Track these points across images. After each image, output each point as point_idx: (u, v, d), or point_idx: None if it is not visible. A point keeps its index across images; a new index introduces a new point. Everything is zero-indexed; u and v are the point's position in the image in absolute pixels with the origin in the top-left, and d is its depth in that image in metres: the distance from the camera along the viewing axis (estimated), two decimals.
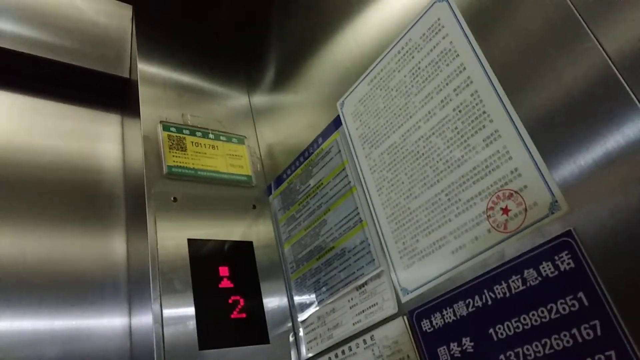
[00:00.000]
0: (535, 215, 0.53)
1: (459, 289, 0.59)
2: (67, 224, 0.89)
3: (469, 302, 0.58)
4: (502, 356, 0.53)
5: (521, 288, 0.53)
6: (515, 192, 0.55)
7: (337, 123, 0.84)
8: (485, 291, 0.56)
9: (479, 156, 0.60)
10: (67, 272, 0.83)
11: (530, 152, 0.55)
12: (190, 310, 0.77)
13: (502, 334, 0.54)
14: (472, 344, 0.57)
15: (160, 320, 0.73)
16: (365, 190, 0.76)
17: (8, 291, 0.76)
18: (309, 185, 0.89)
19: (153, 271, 0.77)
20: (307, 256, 0.86)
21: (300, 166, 0.92)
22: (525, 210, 0.54)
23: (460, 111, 0.63)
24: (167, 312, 0.74)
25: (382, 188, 0.73)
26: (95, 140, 1.05)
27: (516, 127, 0.56)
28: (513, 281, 0.53)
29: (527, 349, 0.51)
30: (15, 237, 0.82)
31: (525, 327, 0.52)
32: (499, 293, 0.55)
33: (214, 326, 0.77)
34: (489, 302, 0.56)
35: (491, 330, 0.55)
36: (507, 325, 0.53)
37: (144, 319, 0.78)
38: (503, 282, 0.54)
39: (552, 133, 0.53)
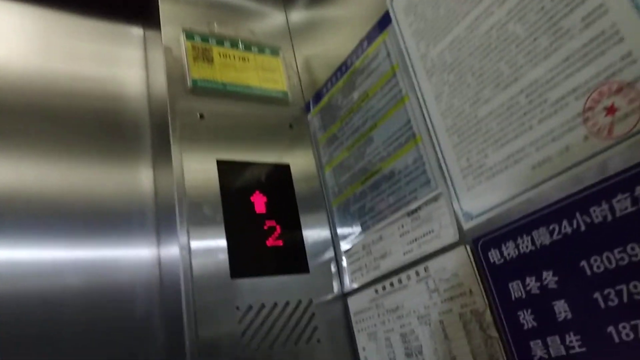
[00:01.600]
0: None
1: (541, 212, 0.47)
2: (91, 154, 0.82)
3: (554, 228, 0.46)
4: (597, 294, 0.42)
5: (630, 209, 0.40)
6: (627, 84, 0.41)
7: (385, 21, 0.70)
8: (578, 214, 0.44)
9: (575, 42, 0.46)
10: (91, 202, 0.77)
11: None
12: (222, 238, 0.69)
13: (599, 267, 0.42)
14: (555, 278, 0.45)
15: (188, 249, 0.66)
16: (420, 99, 0.63)
17: (31, 220, 0.70)
18: (352, 98, 0.77)
19: (179, 195, 0.70)
20: (351, 179, 0.76)
21: (342, 78, 0.80)
22: None
23: None
24: (195, 240, 0.67)
25: (442, 94, 0.60)
26: (116, 64, 0.95)
27: None
28: (618, 201, 0.41)
29: (635, 286, 0.40)
30: (39, 167, 0.76)
31: (634, 258, 0.40)
32: (597, 216, 0.42)
33: (247, 254, 0.70)
34: (582, 228, 0.44)
35: (584, 263, 0.43)
36: (608, 257, 0.41)
37: (172, 249, 0.71)
38: (604, 203, 0.42)
39: None
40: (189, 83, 0.79)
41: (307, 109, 0.89)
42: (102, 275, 0.71)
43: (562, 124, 0.46)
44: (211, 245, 0.68)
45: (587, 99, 0.44)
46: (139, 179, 0.83)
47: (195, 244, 0.67)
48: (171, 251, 0.72)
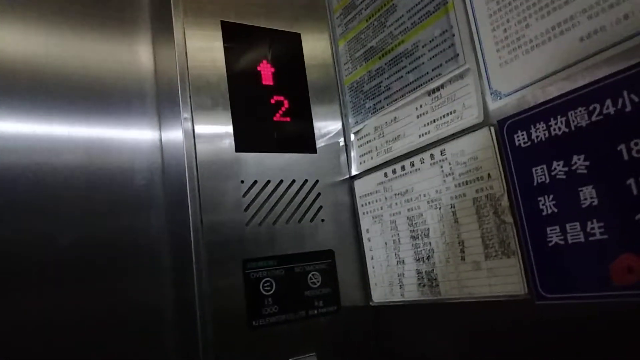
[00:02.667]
0: None
1: (582, 90, 0.42)
2: (88, 24, 0.73)
3: (595, 108, 0.41)
4: (630, 181, 0.39)
5: None
6: None
7: None
8: (626, 93, 0.39)
9: None
10: (89, 77, 0.69)
11: None
12: (227, 110, 0.65)
13: (638, 151, 0.38)
14: (586, 163, 0.42)
15: (191, 118, 0.62)
16: None
17: (17, 91, 0.65)
18: None
19: (181, 67, 0.64)
20: (368, 54, 0.70)
21: None
22: None
23: None
24: (199, 110, 0.63)
25: None
26: None
27: None
28: None
29: None
30: (31, 35, 0.67)
31: None
32: None
33: (253, 127, 0.66)
34: (628, 108, 0.39)
35: (621, 147, 0.39)
36: None
37: (175, 127, 0.67)
38: None
39: None
40: None
41: None
42: (100, 154, 0.67)
43: None
44: (215, 119, 0.64)
45: None
46: (138, 55, 0.75)
47: (200, 122, 0.63)
48: (172, 133, 0.68)
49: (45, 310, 0.59)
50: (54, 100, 0.67)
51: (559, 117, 0.44)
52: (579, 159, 0.42)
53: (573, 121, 0.43)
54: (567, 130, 0.43)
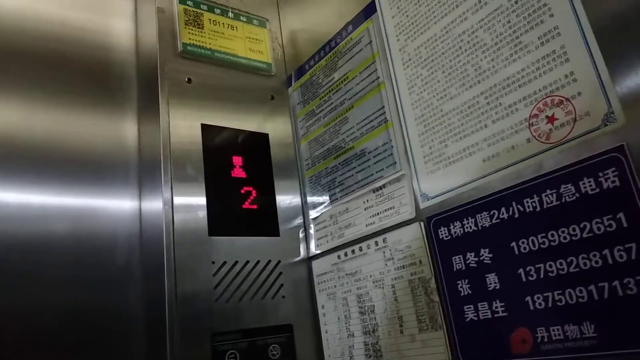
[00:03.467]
0: (584, 126, 0.48)
1: (485, 199, 0.55)
2: (77, 101, 0.85)
3: (494, 213, 0.54)
4: (520, 270, 0.51)
5: (554, 203, 0.49)
6: (567, 99, 0.49)
7: (370, 10, 0.76)
8: (514, 203, 0.52)
9: (531, 56, 0.53)
10: (77, 149, 0.80)
11: (592, 54, 0.48)
12: (202, 197, 0.75)
13: (525, 248, 0.51)
14: (490, 255, 0.54)
15: (171, 204, 0.72)
16: (395, 88, 0.70)
17: (16, 163, 0.74)
18: (333, 78, 0.83)
19: (164, 154, 0.75)
20: (325, 154, 0.83)
21: (325, 57, 0.85)
22: (574, 120, 0.48)
23: (516, 2, 0.55)
24: (178, 197, 0.73)
25: (414, 86, 0.67)
26: (106, 14, 0.96)
27: (580, 25, 0.49)
28: (547, 195, 0.49)
29: (550, 266, 0.49)
30: (24, 109, 0.78)
31: (552, 243, 0.49)
32: (529, 206, 0.51)
33: (224, 214, 0.76)
34: (516, 215, 0.52)
35: (513, 244, 0.52)
36: (532, 240, 0.50)
37: (154, 203, 0.77)
38: (535, 196, 0.50)
39: (623, 37, 0.46)
40: (180, 46, 0.83)
41: (289, 82, 0.94)
42: (86, 223, 0.76)
43: (511, 126, 0.54)
44: (192, 202, 0.74)
45: (533, 107, 0.52)
46: (124, 132, 0.87)
47: (178, 200, 0.72)
48: (152, 205, 0.77)
49: None
50: (48, 171, 0.76)
51: (469, 217, 0.57)
52: (485, 251, 0.55)
53: (479, 222, 0.56)
54: (475, 228, 0.56)
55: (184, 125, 0.79)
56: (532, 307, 0.50)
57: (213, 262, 0.72)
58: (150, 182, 0.80)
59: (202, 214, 0.74)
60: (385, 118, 0.71)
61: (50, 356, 0.67)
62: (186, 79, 0.82)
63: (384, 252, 0.68)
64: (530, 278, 0.50)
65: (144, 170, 0.84)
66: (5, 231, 0.69)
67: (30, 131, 0.77)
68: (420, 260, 0.62)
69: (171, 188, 0.73)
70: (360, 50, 0.77)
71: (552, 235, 0.49)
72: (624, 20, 0.46)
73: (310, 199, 0.85)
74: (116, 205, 0.80)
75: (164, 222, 0.71)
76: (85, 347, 0.69)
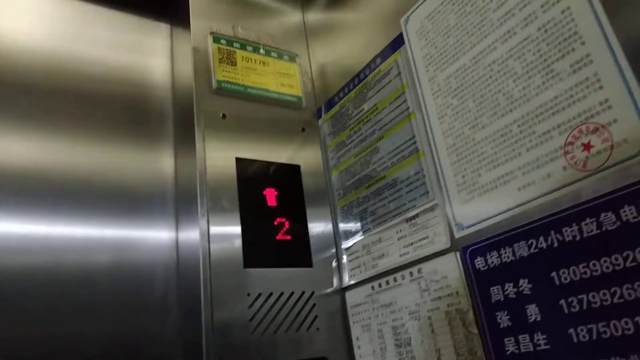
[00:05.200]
0: (622, 153, 0.47)
1: (522, 228, 0.55)
2: (117, 137, 0.89)
3: (532, 242, 0.53)
4: (562, 301, 0.50)
5: (595, 232, 0.48)
6: (602, 126, 0.49)
7: (398, 42, 0.77)
8: (553, 232, 0.51)
9: (563, 84, 0.53)
10: (116, 184, 0.84)
11: (626, 80, 0.47)
12: (237, 229, 0.76)
13: (566, 278, 0.50)
14: (529, 285, 0.53)
15: (207, 236, 0.74)
16: (425, 118, 0.70)
17: (62, 199, 0.77)
18: (363, 109, 0.84)
19: (201, 188, 0.77)
20: (356, 184, 0.83)
21: (354, 89, 0.87)
22: (612, 147, 0.48)
23: (546, 31, 0.55)
24: (214, 228, 0.74)
25: (445, 116, 0.67)
26: (144, 53, 1.02)
27: (613, 52, 0.49)
28: (586, 224, 0.48)
29: (593, 297, 0.47)
30: (69, 147, 0.82)
31: (594, 273, 0.47)
32: (568, 235, 0.50)
33: (259, 246, 0.77)
34: (555, 245, 0.51)
35: (554, 274, 0.51)
36: (573, 270, 0.49)
37: (191, 234, 0.78)
38: (574, 224, 0.49)
39: None
40: (214, 84, 0.86)
41: (319, 114, 0.96)
42: (125, 254, 0.78)
43: (546, 154, 0.54)
44: (228, 233, 0.75)
45: (568, 135, 0.52)
46: (161, 165, 0.90)
47: (214, 232, 0.74)
48: (189, 235, 0.79)
49: None
50: (90, 204, 0.79)
51: (507, 247, 0.56)
52: (524, 282, 0.54)
53: (517, 251, 0.55)
54: (513, 258, 0.55)
55: (219, 158, 0.81)
56: (575, 340, 0.48)
57: (248, 294, 0.73)
58: (186, 214, 0.82)
59: (238, 245, 0.75)
60: (417, 147, 0.72)
61: None
62: (221, 115, 0.85)
63: (419, 283, 0.67)
64: (572, 309, 0.49)
65: (181, 202, 0.87)
66: (51, 263, 0.72)
67: (74, 167, 0.81)
68: (457, 292, 0.62)
69: (207, 220, 0.75)
70: (389, 82, 0.79)
71: (594, 265, 0.47)
72: None
73: (342, 229, 0.85)
74: (154, 235, 0.83)
75: (201, 253, 0.72)
76: None
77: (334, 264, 0.84)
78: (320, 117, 0.96)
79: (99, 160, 0.84)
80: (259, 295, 0.74)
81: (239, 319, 0.71)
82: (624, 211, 0.46)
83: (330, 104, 0.93)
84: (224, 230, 0.75)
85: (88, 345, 0.70)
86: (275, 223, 0.81)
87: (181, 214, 0.86)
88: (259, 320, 0.72)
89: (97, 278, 0.75)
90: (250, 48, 0.94)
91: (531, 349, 0.52)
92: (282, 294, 0.76)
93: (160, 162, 0.92)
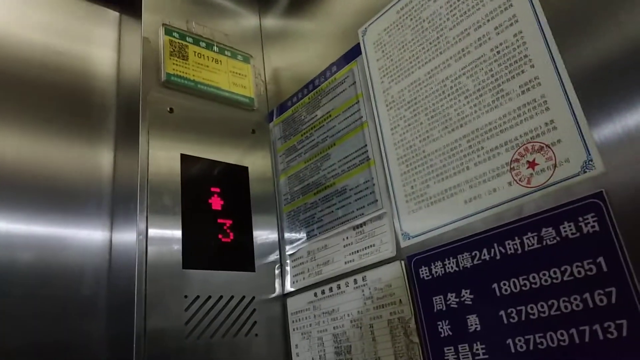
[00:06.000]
0: (564, 172, 0.50)
1: (467, 240, 0.56)
2: (52, 128, 0.82)
3: (476, 254, 0.55)
4: (502, 312, 0.51)
5: (535, 246, 0.50)
6: (547, 145, 0.51)
7: (355, 52, 0.78)
8: (496, 245, 0.53)
9: (512, 104, 0.55)
10: (48, 177, 0.77)
11: (570, 104, 0.50)
12: (177, 228, 0.73)
13: (506, 290, 0.51)
14: (471, 296, 0.54)
15: (145, 235, 0.70)
16: (378, 128, 0.71)
17: None
18: (316, 116, 0.84)
19: (142, 183, 0.73)
20: (304, 190, 0.83)
21: (308, 94, 0.86)
22: (555, 166, 0.50)
23: (498, 52, 0.58)
24: (153, 227, 0.71)
25: (397, 127, 0.68)
26: (89, 42, 0.95)
27: (559, 76, 0.52)
28: (528, 238, 0.50)
29: (531, 308, 0.49)
30: (11, 136, 0.75)
31: (534, 285, 0.49)
32: (510, 249, 0.52)
33: (200, 246, 0.74)
34: (498, 257, 0.53)
35: (495, 285, 0.52)
36: (514, 282, 0.51)
37: (126, 235, 0.74)
38: (517, 238, 0.51)
39: (600, 87, 0.48)
40: (163, 76, 0.83)
41: (270, 117, 0.95)
42: (52, 252, 0.72)
43: (493, 169, 0.56)
44: (167, 234, 0.72)
45: (515, 152, 0.54)
46: (99, 160, 0.84)
47: (153, 232, 0.70)
48: (125, 236, 0.74)
49: None
50: (16, 197, 0.72)
51: (451, 258, 0.57)
52: (466, 292, 0.55)
53: (461, 262, 0.56)
54: (457, 269, 0.56)
55: (163, 156, 0.77)
56: (513, 350, 0.50)
57: (186, 297, 0.70)
58: (124, 212, 0.78)
59: (177, 246, 0.72)
60: (368, 156, 0.72)
61: None
62: (168, 109, 0.81)
63: (362, 291, 0.67)
64: (511, 320, 0.50)
65: (118, 200, 0.81)
66: None
67: (1, 157, 0.74)
68: (400, 300, 0.62)
69: (146, 218, 0.71)
70: (344, 90, 0.79)
71: (534, 278, 0.49)
72: (601, 71, 0.49)
73: (287, 234, 0.84)
74: (85, 235, 0.77)
75: (137, 253, 0.68)
76: None
77: (277, 269, 0.82)
78: (271, 120, 0.94)
79: (29, 150, 0.78)
80: (197, 297, 0.71)
81: (174, 323, 0.67)
82: (564, 227, 0.48)
83: (282, 108, 0.92)
84: (164, 228, 0.72)
85: (6, 348, 0.63)
86: (219, 224, 0.78)
87: (118, 213, 0.80)
88: (195, 324, 0.69)
89: (21, 276, 0.68)
90: (203, 44, 0.92)
91: (470, 358, 0.53)
92: (221, 297, 0.73)
93: (98, 157, 0.85)
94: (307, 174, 0.83)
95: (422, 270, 0.60)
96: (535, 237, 0.50)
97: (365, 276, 0.68)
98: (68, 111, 0.85)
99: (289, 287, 0.80)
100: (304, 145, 0.85)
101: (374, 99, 0.73)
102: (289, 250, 0.82)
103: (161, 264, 0.69)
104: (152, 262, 0.69)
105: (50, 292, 0.70)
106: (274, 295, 0.80)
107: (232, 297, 0.74)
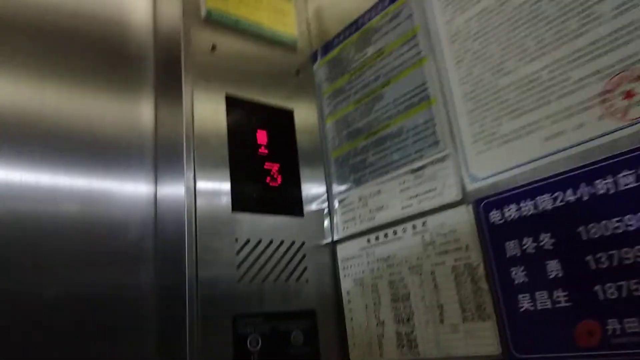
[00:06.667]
0: None
1: (547, 180, 0.51)
2: (89, 79, 0.77)
3: (559, 195, 0.50)
4: (589, 257, 0.47)
5: (632, 185, 0.45)
6: None
7: None
8: (583, 185, 0.48)
9: (604, 28, 0.49)
10: (90, 129, 0.74)
11: None
12: (225, 172, 0.70)
13: (594, 233, 0.47)
14: (552, 240, 0.50)
15: (193, 176, 0.67)
16: (440, 62, 0.65)
17: (25, 144, 0.67)
18: (366, 53, 0.78)
19: (187, 127, 0.69)
20: (354, 133, 0.78)
21: (356, 32, 0.80)
22: None
23: None
24: (200, 172, 0.68)
25: (463, 60, 0.63)
26: None
27: None
28: (624, 176, 0.46)
29: (626, 252, 0.45)
30: (34, 86, 0.71)
31: (629, 228, 0.45)
32: (601, 188, 0.47)
33: (248, 189, 0.71)
34: (585, 198, 0.48)
35: (581, 229, 0.48)
36: (605, 225, 0.46)
37: (173, 182, 0.71)
38: (609, 177, 0.47)
39: None
40: (203, 12, 0.78)
41: (314, 58, 0.89)
42: (97, 205, 0.70)
43: (580, 102, 0.50)
44: (215, 177, 0.69)
45: (607, 82, 0.48)
46: (140, 113, 0.81)
47: (200, 176, 0.67)
48: (171, 183, 0.72)
49: None
50: (59, 151, 0.70)
51: (528, 200, 0.53)
52: (546, 237, 0.51)
53: (540, 205, 0.52)
54: (535, 212, 0.52)
55: (207, 97, 0.73)
56: (602, 297, 0.46)
57: (236, 240, 0.67)
58: (169, 157, 0.75)
59: (226, 189, 0.69)
60: (428, 95, 0.67)
61: (57, 340, 0.61)
62: (210, 46, 0.77)
63: (422, 236, 0.64)
64: (600, 266, 0.46)
65: (161, 152, 0.78)
66: (12, 210, 0.63)
67: (40, 108, 0.71)
68: (467, 245, 0.58)
69: (193, 162, 0.68)
70: (398, 24, 0.73)
71: (630, 220, 0.45)
72: None
73: (336, 179, 0.80)
74: (130, 189, 0.74)
75: (186, 193, 0.65)
76: (98, 331, 0.64)
77: (326, 215, 0.79)
78: (315, 60, 0.89)
79: (68, 102, 0.74)
80: (248, 241, 0.68)
81: (226, 267, 0.65)
82: None
83: (327, 48, 0.87)
84: (211, 173, 0.68)
85: (53, 297, 0.63)
86: (266, 168, 0.75)
87: (161, 165, 0.77)
88: (247, 268, 0.67)
89: (67, 227, 0.67)
90: None
91: (549, 306, 0.49)
92: (271, 241, 0.71)
93: (138, 108, 0.81)
94: (357, 117, 0.78)
95: (492, 214, 0.56)
96: (633, 175, 0.45)
97: (425, 221, 0.64)
98: (105, 61, 0.81)
99: (339, 234, 0.77)
100: (353, 86, 0.80)
101: (435, 31, 0.67)
102: (338, 196, 0.79)
103: (211, 208, 0.67)
104: (202, 206, 0.66)
105: (96, 244, 0.68)
106: (323, 241, 0.77)
107: (282, 241, 0.72)
